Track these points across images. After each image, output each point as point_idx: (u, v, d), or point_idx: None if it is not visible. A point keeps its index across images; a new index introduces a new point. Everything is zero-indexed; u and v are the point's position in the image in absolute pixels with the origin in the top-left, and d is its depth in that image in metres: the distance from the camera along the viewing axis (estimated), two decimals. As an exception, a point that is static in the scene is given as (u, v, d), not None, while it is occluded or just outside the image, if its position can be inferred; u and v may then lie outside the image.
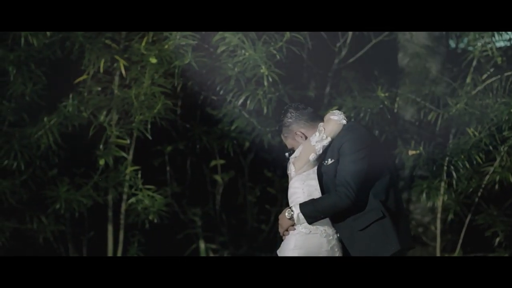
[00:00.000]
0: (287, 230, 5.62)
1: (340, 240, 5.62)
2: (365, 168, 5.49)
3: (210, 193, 9.59)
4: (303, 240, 5.55)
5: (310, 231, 5.57)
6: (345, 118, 5.66)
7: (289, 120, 5.74)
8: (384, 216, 5.50)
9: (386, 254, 5.47)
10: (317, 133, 5.64)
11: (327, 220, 5.60)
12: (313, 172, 5.64)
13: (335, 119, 5.64)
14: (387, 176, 5.59)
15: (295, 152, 5.73)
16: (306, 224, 5.58)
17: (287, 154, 5.84)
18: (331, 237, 5.59)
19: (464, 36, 9.42)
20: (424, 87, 8.59)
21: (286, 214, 5.56)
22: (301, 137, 5.70)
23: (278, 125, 5.85)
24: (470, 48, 9.28)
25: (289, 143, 5.77)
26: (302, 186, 5.63)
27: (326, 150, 5.63)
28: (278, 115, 8.12)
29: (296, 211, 5.53)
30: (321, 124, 5.68)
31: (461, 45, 9.80)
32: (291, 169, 5.69)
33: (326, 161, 5.61)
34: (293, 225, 5.60)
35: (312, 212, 5.49)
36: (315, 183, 5.62)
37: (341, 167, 5.52)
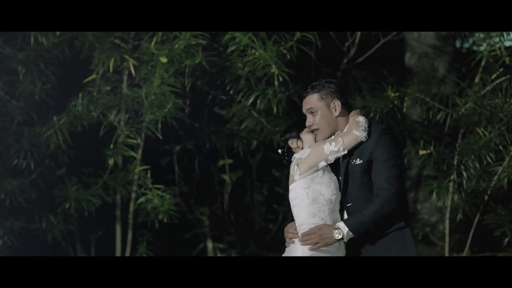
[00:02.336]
0: (290, 238, 5.56)
1: (344, 242, 5.56)
2: (401, 173, 5.41)
3: (218, 193, 9.59)
4: (309, 251, 5.50)
5: None
6: (366, 136, 5.58)
7: (334, 89, 5.52)
8: (406, 225, 5.45)
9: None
10: (333, 143, 5.52)
11: (331, 222, 5.50)
12: (317, 176, 5.56)
13: (357, 135, 5.54)
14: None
15: (301, 153, 5.63)
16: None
17: (279, 150, 5.73)
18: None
19: (471, 36, 9.43)
20: (432, 86, 8.59)
21: (336, 235, 5.40)
22: (334, 110, 5.51)
23: (313, 84, 5.57)
24: (476, 48, 9.29)
25: (314, 108, 5.51)
26: (307, 191, 5.55)
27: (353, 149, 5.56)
28: (288, 115, 8.19)
29: (345, 229, 5.39)
30: (339, 133, 5.60)
31: (469, 45, 9.82)
32: (296, 171, 5.61)
33: (354, 161, 5.50)
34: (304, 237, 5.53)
35: (359, 225, 5.37)
36: (319, 188, 5.55)
37: (380, 172, 5.41)
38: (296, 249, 5.52)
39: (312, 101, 5.53)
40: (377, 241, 5.45)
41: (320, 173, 5.54)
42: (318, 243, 5.40)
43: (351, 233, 5.36)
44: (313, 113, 5.52)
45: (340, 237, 5.37)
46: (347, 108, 5.55)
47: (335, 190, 5.55)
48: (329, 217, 5.53)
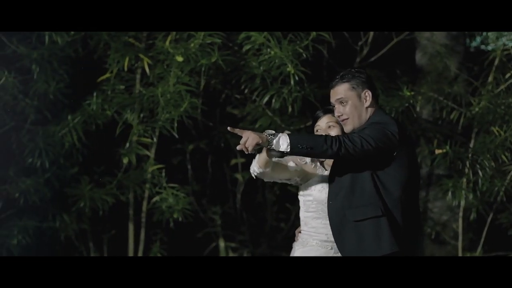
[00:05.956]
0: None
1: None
2: (380, 139, 5.21)
3: (231, 192, 9.59)
4: (299, 254, 5.53)
5: (307, 243, 5.52)
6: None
7: (364, 79, 5.41)
8: (383, 215, 5.26)
9: (377, 254, 5.24)
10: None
11: (323, 229, 5.48)
12: (309, 184, 5.55)
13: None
14: (405, 170, 5.32)
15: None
16: (302, 239, 5.55)
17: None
18: (329, 247, 5.51)
19: (482, 36, 9.44)
20: (445, 86, 8.59)
21: (269, 135, 5.19)
22: (365, 100, 5.40)
23: (341, 73, 5.43)
24: (485, 47, 9.30)
25: (345, 98, 5.38)
26: (301, 198, 5.62)
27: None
28: (302, 114, 8.19)
29: (281, 134, 5.19)
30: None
31: (481, 45, 9.82)
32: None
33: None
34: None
35: (296, 139, 5.17)
36: (310, 196, 5.56)
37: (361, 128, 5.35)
38: (295, 251, 5.59)
39: (342, 91, 5.42)
40: (350, 228, 5.30)
41: (312, 182, 5.55)
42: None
43: (283, 141, 5.16)
44: (343, 103, 5.42)
45: (272, 135, 5.17)
46: (375, 99, 5.46)
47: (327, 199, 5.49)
48: (322, 226, 5.50)
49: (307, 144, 5.15)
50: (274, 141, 5.18)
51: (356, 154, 5.18)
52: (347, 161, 5.27)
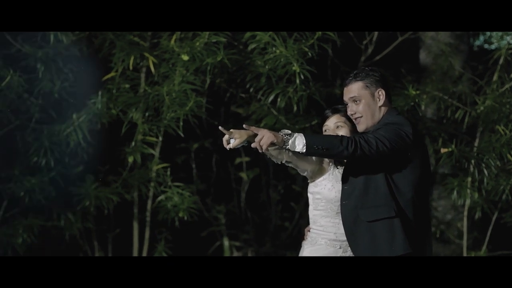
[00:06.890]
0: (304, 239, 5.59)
1: (347, 245, 5.48)
2: (395, 140, 5.21)
3: (235, 191, 9.59)
4: (308, 253, 5.54)
5: (316, 242, 5.54)
6: None
7: (378, 78, 5.44)
8: (396, 216, 5.28)
9: (390, 255, 5.28)
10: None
11: (331, 228, 5.51)
12: (319, 183, 5.59)
13: None
14: (417, 171, 5.36)
15: None
16: (311, 238, 5.55)
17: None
18: (338, 246, 5.53)
19: (488, 35, 9.43)
20: (450, 85, 8.59)
21: (285, 134, 5.17)
22: (378, 99, 5.43)
23: (355, 72, 5.46)
24: (488, 46, 9.29)
25: (358, 96, 5.40)
26: (310, 195, 5.62)
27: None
28: (308, 113, 8.18)
29: (298, 134, 5.16)
30: None
31: (485, 44, 9.82)
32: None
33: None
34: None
35: (312, 139, 5.15)
36: (320, 195, 5.59)
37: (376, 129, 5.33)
38: (303, 250, 5.59)
39: (356, 89, 5.45)
40: (363, 228, 5.33)
41: (324, 181, 5.56)
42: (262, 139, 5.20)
43: (299, 142, 5.14)
44: (356, 101, 5.45)
45: (288, 135, 5.15)
46: (389, 98, 5.48)
47: (337, 198, 5.50)
48: (331, 224, 5.52)
49: (322, 145, 5.15)
50: (290, 141, 5.18)
51: (371, 155, 5.19)
52: (361, 161, 5.28)
